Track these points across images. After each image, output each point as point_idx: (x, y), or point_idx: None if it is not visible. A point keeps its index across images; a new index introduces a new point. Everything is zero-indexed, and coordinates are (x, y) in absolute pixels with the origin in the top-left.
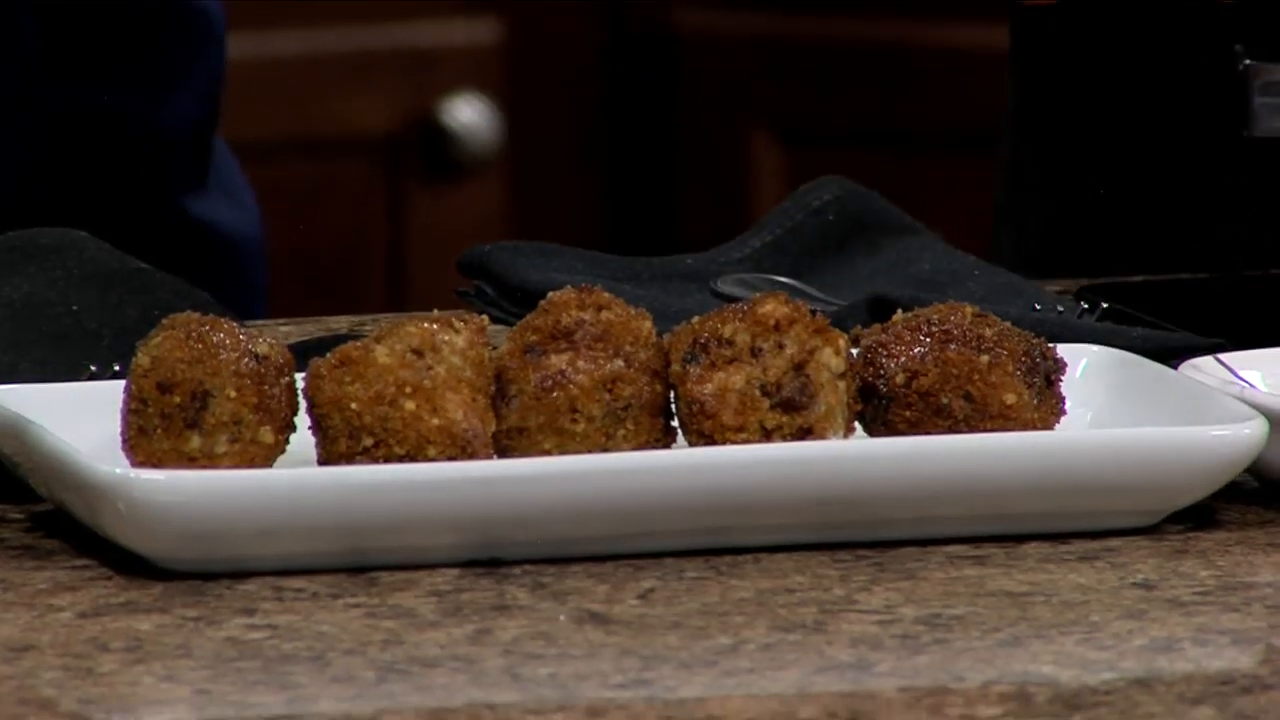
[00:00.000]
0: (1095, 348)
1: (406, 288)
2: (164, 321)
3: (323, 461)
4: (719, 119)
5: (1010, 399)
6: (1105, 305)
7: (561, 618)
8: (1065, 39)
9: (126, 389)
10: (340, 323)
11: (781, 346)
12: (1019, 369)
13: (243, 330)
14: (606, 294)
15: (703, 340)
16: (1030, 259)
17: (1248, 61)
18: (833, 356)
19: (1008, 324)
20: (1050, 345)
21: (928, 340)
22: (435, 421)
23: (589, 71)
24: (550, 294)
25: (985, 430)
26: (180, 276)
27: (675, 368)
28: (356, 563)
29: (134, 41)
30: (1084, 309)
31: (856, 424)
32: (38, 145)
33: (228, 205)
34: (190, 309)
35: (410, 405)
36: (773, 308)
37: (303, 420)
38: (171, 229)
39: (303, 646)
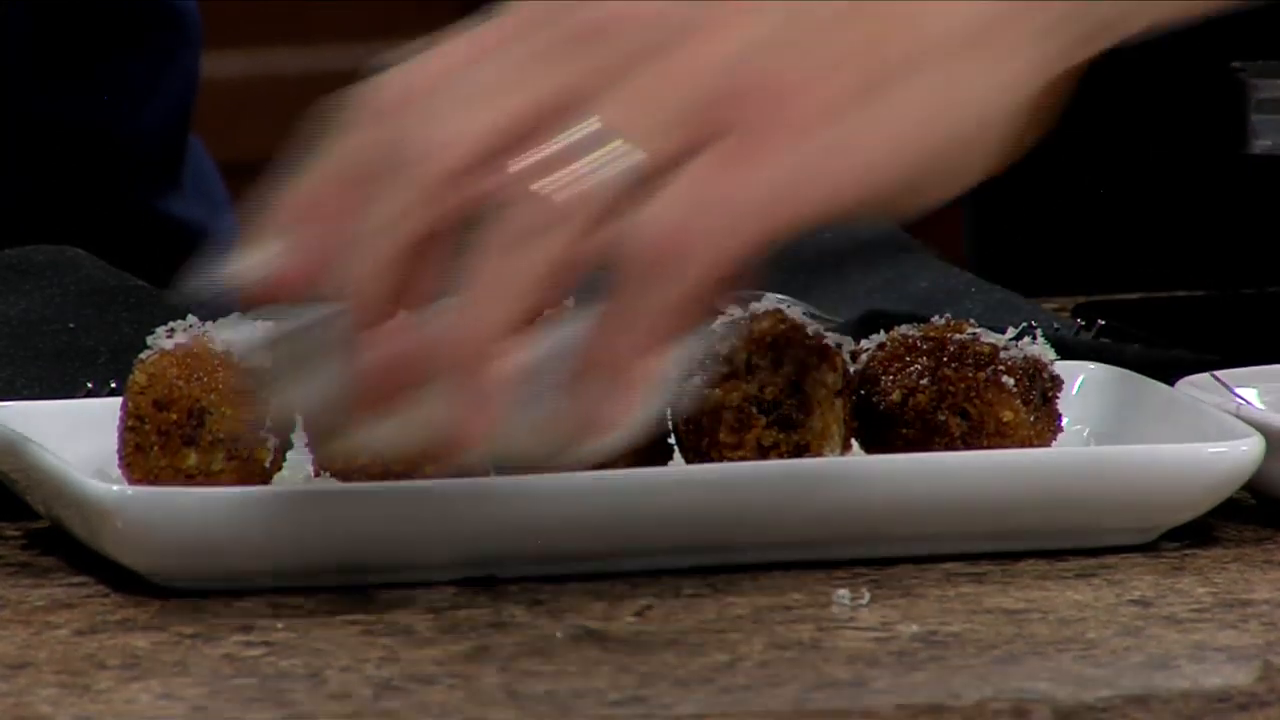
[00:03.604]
0: (1092, 365)
1: None
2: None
3: (319, 478)
4: None
5: (1007, 416)
6: (1102, 322)
7: (558, 635)
8: None
9: (123, 406)
10: None
11: (778, 364)
12: (1016, 386)
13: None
14: None
15: (699, 357)
16: (1014, 274)
17: (1245, 78)
18: (829, 374)
19: (1004, 341)
20: (1047, 362)
21: (924, 358)
22: None
23: None
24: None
25: (982, 447)
26: (159, 279)
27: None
28: (353, 580)
29: (111, 44)
30: (1081, 326)
31: (853, 441)
32: (12, 149)
33: (201, 205)
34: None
35: None
36: (769, 325)
37: (300, 437)
38: (146, 232)
39: (299, 663)
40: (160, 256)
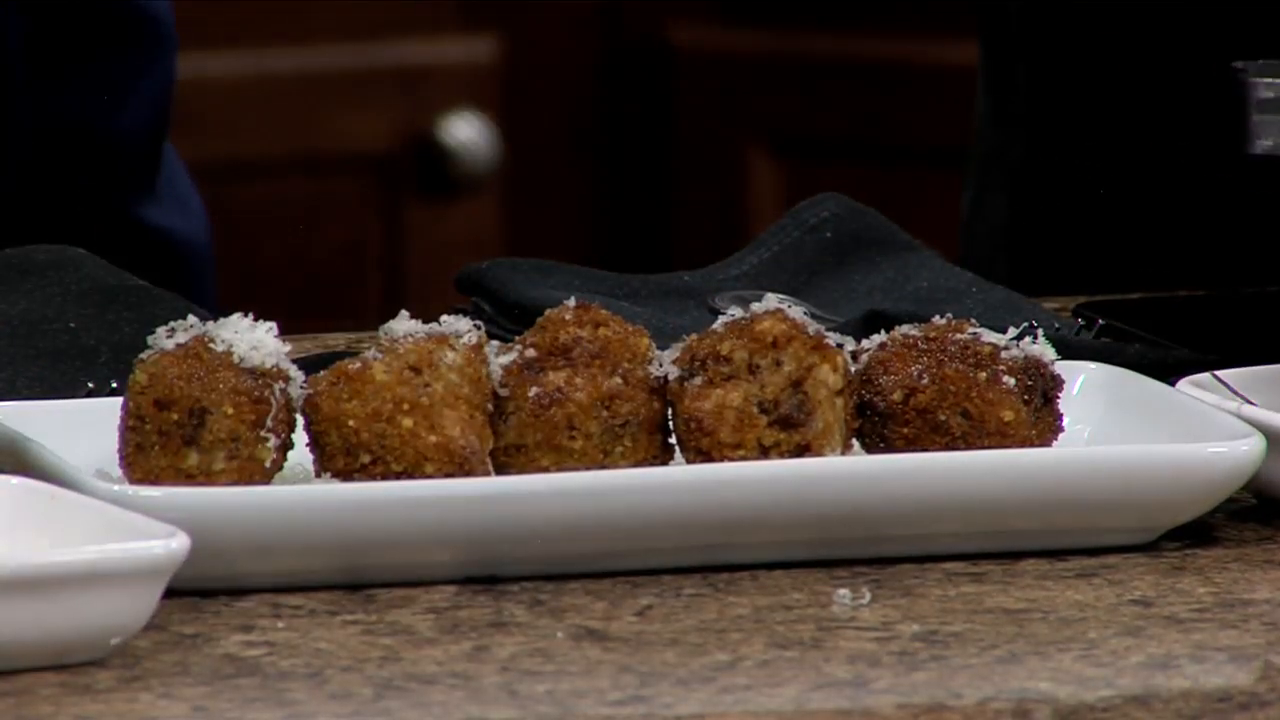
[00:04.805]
0: (1093, 365)
1: (404, 305)
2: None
3: (320, 478)
4: (715, 135)
5: (1008, 416)
6: (1103, 322)
7: (559, 635)
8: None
9: (124, 406)
10: (338, 340)
11: (779, 363)
12: (1016, 386)
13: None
14: (604, 311)
15: (700, 357)
16: (1024, 275)
17: (1245, 78)
18: (830, 373)
19: (1005, 341)
20: (1048, 362)
21: (925, 357)
22: (433, 439)
23: (585, 89)
24: (547, 311)
25: (983, 447)
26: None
27: (673, 384)
28: (354, 579)
29: (89, 48)
30: (1082, 326)
31: (854, 441)
32: None
33: (176, 211)
34: None
35: (408, 422)
36: (771, 325)
37: (300, 437)
38: (121, 234)
39: (300, 663)
40: (135, 263)
